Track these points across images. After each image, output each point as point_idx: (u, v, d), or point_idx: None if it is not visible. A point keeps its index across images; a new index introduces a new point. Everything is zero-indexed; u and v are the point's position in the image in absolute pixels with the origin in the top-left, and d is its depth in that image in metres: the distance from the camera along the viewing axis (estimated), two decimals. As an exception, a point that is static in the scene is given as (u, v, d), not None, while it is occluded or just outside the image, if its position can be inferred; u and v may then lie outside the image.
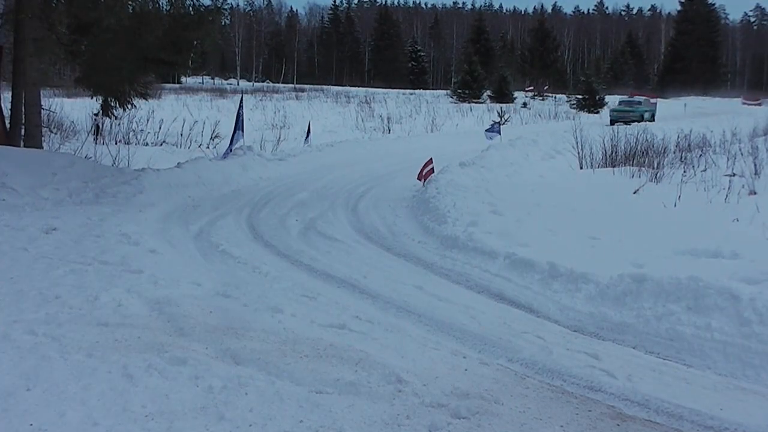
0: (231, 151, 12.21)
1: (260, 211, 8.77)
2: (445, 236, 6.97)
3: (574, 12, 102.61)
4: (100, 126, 14.73)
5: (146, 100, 11.97)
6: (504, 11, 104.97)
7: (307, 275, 5.79)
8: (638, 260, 5.43)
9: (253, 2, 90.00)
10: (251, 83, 68.43)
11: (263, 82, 72.36)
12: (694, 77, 64.47)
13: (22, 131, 9.88)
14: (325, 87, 58.22)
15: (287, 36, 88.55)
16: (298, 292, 5.11)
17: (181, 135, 16.66)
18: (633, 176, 10.24)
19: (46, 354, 3.53)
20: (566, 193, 9.21)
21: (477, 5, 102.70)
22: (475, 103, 42.38)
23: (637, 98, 33.01)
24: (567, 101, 43.42)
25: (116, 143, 14.57)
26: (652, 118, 29.19)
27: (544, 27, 68.63)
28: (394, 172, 12.64)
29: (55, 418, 2.92)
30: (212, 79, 71.05)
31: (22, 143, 9.82)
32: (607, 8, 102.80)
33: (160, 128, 16.99)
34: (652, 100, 39.69)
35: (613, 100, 37.79)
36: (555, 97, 48.34)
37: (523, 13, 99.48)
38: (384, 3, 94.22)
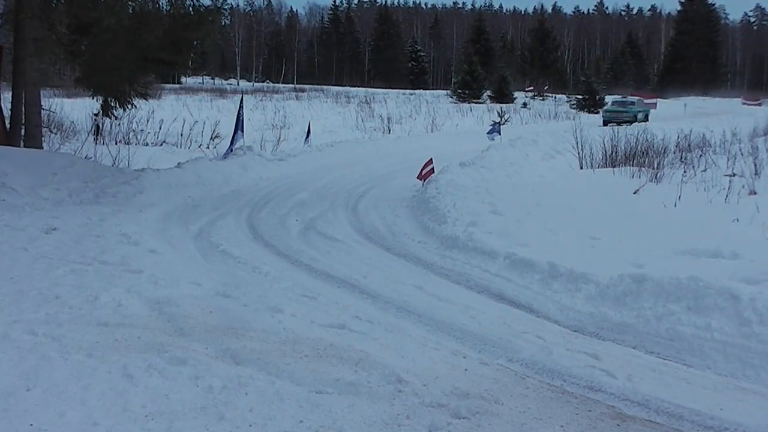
0: (231, 151, 12.21)
1: (260, 211, 8.77)
2: (445, 236, 6.97)
3: (574, 12, 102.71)
4: (100, 126, 14.73)
5: (146, 100, 11.97)
6: (504, 11, 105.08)
7: (307, 275, 5.79)
8: (638, 260, 5.43)
9: (253, 2, 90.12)
10: (251, 83, 68.43)
11: (263, 82, 72.35)
12: (694, 77, 64.46)
13: (22, 131, 9.88)
14: (325, 87, 58.22)
15: (287, 36, 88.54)
16: (298, 292, 5.11)
17: (181, 135, 16.66)
18: (633, 176, 10.23)
19: (46, 354, 3.53)
20: (566, 193, 9.21)
21: (477, 5, 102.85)
22: (475, 103, 42.38)
23: (630, 98, 32.20)
24: (567, 101, 43.42)
25: (116, 143, 14.58)
26: (645, 119, 28.59)
27: (544, 27, 68.62)
28: (394, 172, 12.64)
29: (55, 418, 2.92)
30: (212, 79, 71.04)
31: (22, 143, 9.82)
32: (607, 8, 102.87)
33: (160, 128, 16.99)
34: (652, 101, 39.66)
35: (612, 100, 37.57)
36: (555, 97, 48.35)
37: (523, 13, 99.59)
38: (384, 3, 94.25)
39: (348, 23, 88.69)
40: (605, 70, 61.61)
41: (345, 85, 67.03)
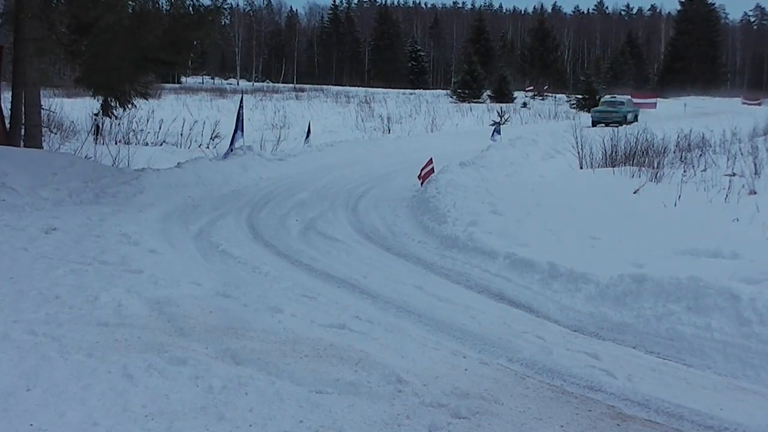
0: (231, 150, 12.21)
1: (260, 211, 8.77)
2: (445, 236, 6.97)
3: (574, 12, 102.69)
4: (100, 126, 14.73)
5: (146, 100, 11.96)
6: (504, 11, 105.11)
7: (307, 275, 5.79)
8: (638, 260, 5.43)
9: (253, 2, 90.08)
10: (251, 83, 68.43)
11: (263, 82, 72.35)
12: (694, 77, 64.49)
13: (22, 131, 9.88)
14: (325, 87, 58.23)
15: (287, 36, 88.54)
16: (298, 292, 5.11)
17: (181, 135, 16.65)
18: (633, 176, 10.23)
19: (46, 354, 3.53)
20: (566, 193, 9.21)
21: (477, 5, 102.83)
22: (475, 103, 42.39)
23: (620, 98, 31.17)
24: (567, 101, 43.41)
25: (116, 143, 14.57)
26: (635, 119, 27.81)
27: (544, 27, 68.68)
28: (394, 172, 12.64)
29: (55, 418, 2.92)
30: (212, 79, 71.04)
31: (22, 143, 9.82)
32: (607, 8, 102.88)
33: (160, 128, 16.98)
34: (652, 100, 39.58)
35: (602, 99, 37.17)
36: (555, 97, 48.33)
37: (523, 13, 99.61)
38: (384, 3, 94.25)
39: (348, 23, 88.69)
40: (605, 69, 61.60)
41: (345, 85, 67.05)
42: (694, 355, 4.13)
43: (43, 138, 10.54)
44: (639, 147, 12.34)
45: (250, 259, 6.18)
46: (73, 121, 16.72)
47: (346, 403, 3.26)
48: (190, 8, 10.13)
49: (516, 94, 47.62)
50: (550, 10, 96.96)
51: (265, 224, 7.93)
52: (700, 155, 12.19)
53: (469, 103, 41.59)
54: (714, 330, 4.21)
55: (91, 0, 9.14)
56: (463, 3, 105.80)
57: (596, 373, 3.85)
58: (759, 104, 47.05)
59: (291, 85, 62.61)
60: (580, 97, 41.25)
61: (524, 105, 40.87)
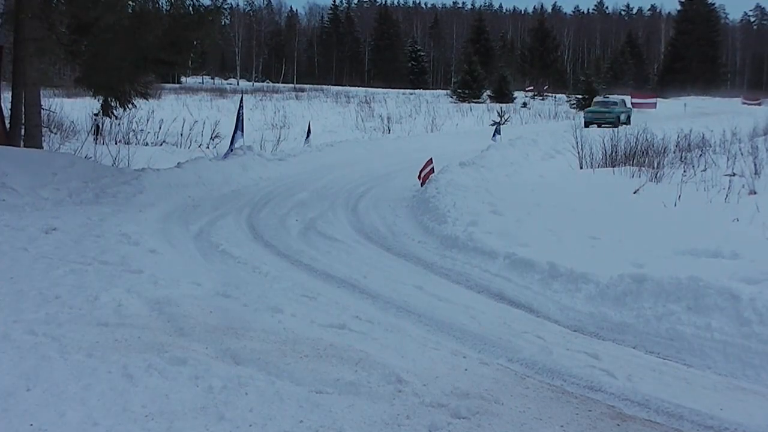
0: (232, 150, 12.21)
1: (260, 211, 8.77)
2: (445, 236, 6.97)
3: (574, 12, 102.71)
4: (100, 126, 14.74)
5: (146, 100, 11.97)
6: (504, 11, 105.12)
7: (307, 275, 5.79)
8: (638, 260, 5.43)
9: (253, 2, 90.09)
10: (251, 83, 68.43)
11: (263, 82, 72.35)
12: (694, 77, 64.50)
13: (22, 131, 9.88)
14: (325, 87, 58.23)
15: (287, 36, 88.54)
16: (298, 292, 5.11)
17: (181, 135, 16.66)
18: (633, 176, 10.23)
19: (46, 354, 3.53)
20: (566, 193, 9.20)
21: (477, 5, 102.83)
22: (475, 103, 42.40)
23: (612, 98, 30.74)
24: (567, 101, 43.42)
25: (116, 143, 14.57)
26: (627, 120, 27.28)
27: (544, 27, 68.68)
28: (394, 172, 12.64)
29: (55, 418, 2.92)
30: (212, 79, 71.03)
31: (22, 143, 9.82)
32: (607, 8, 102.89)
33: (160, 128, 16.98)
34: (652, 100, 39.53)
35: (595, 100, 36.97)
36: (555, 97, 48.34)
37: (523, 13, 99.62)
38: (384, 3, 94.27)
39: (348, 23, 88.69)
40: (605, 69, 61.60)
41: (345, 85, 67.04)
42: (694, 355, 4.13)
43: (43, 138, 10.54)
44: (639, 147, 12.33)
45: (250, 259, 6.18)
46: (73, 121, 16.73)
47: (346, 403, 3.26)
48: (190, 8, 10.13)
49: (516, 94, 47.63)
50: (550, 10, 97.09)
51: (265, 224, 7.93)
52: (700, 155, 12.18)
53: (469, 103, 41.60)
54: (714, 330, 4.21)
55: (91, 0, 9.14)
56: (463, 3, 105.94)
57: (596, 373, 3.85)
58: (759, 104, 47.06)
59: (291, 85, 62.61)
60: (580, 97, 41.26)
61: (524, 105, 40.88)
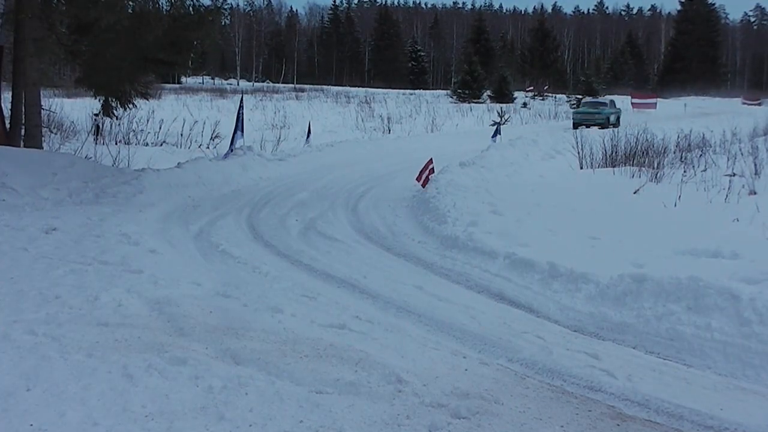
0: (232, 151, 12.21)
1: (260, 211, 8.77)
2: (445, 236, 6.97)
3: (574, 12, 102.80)
4: (100, 126, 14.74)
5: (146, 100, 11.98)
6: (504, 11, 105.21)
7: (307, 275, 5.79)
8: (638, 260, 5.42)
9: (253, 2, 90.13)
10: (251, 83, 68.45)
11: (263, 82, 72.38)
12: (694, 77, 64.51)
13: (22, 131, 9.88)
14: (325, 87, 58.25)
15: (287, 36, 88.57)
16: (298, 292, 5.11)
17: (181, 135, 16.66)
18: (633, 176, 10.23)
19: (46, 354, 3.53)
20: (566, 193, 9.20)
21: (477, 5, 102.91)
22: (475, 103, 42.40)
23: (602, 99, 30.20)
24: (567, 101, 43.39)
25: (116, 143, 14.58)
26: (617, 122, 26.65)
27: (544, 27, 68.65)
28: (394, 172, 12.64)
29: (55, 418, 2.92)
30: (212, 79, 71.06)
31: (22, 143, 9.82)
32: (607, 8, 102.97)
33: (160, 128, 16.98)
34: (652, 100, 39.51)
35: (584, 100, 36.71)
36: (555, 97, 48.34)
37: (523, 13, 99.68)
38: (384, 3, 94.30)
39: (348, 23, 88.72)
40: (605, 69, 61.68)
41: (345, 85, 67.06)
42: (694, 355, 4.13)
43: (43, 138, 10.54)
44: (639, 147, 12.33)
45: (250, 259, 6.18)
46: (73, 121, 16.73)
47: (346, 403, 3.26)
48: (190, 8, 10.13)
49: (516, 94, 47.63)
50: (550, 10, 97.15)
51: (265, 224, 7.93)
52: (700, 155, 12.18)
53: (469, 103, 41.60)
54: (714, 330, 4.21)
55: (91, 0, 9.14)
56: (463, 3, 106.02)
57: (596, 373, 3.85)
58: (759, 104, 47.08)
59: (291, 85, 62.65)
60: (580, 97, 41.24)
61: (524, 105, 40.88)
